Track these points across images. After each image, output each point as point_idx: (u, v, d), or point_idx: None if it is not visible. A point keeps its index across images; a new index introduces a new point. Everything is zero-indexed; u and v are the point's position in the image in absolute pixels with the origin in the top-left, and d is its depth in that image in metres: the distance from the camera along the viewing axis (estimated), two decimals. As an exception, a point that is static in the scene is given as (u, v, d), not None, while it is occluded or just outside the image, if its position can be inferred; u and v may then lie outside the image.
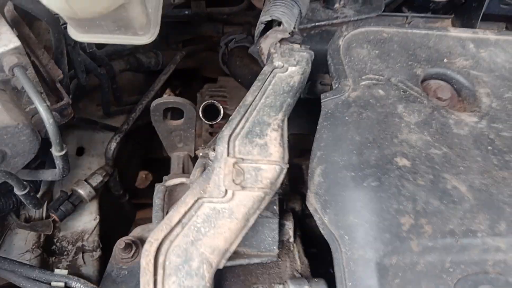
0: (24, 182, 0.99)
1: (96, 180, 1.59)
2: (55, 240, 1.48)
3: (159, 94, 2.11)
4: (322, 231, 0.82)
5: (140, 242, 1.38)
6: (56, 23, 1.07)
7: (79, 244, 1.50)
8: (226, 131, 0.83)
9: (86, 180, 1.56)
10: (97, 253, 1.50)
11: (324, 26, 1.37)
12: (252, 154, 0.82)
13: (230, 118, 0.85)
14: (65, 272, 1.26)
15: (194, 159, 1.69)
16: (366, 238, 0.74)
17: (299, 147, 1.31)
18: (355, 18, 1.38)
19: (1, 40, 0.94)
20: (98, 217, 1.54)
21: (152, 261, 0.71)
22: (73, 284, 1.23)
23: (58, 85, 1.17)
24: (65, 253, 1.46)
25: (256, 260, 0.85)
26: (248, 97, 0.87)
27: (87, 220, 1.56)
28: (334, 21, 1.36)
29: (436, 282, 0.72)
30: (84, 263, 1.45)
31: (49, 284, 1.20)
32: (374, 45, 1.01)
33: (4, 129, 0.92)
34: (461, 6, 1.54)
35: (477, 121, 0.90)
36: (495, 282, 0.74)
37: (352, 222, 0.76)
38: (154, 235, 0.73)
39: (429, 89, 0.98)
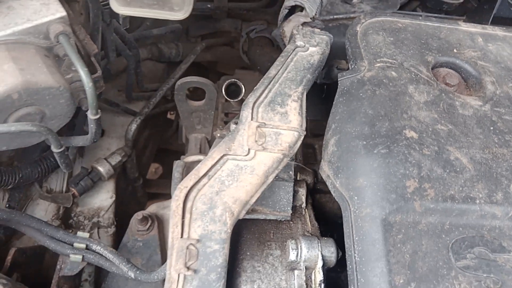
0: (61, 141, 1.08)
1: (115, 159, 1.67)
2: (72, 215, 1.55)
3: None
4: (333, 194, 0.90)
5: (155, 217, 1.46)
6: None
7: (95, 219, 1.57)
8: (251, 99, 0.91)
9: (105, 159, 1.64)
10: (112, 229, 1.57)
11: (342, 20, 1.46)
12: (273, 121, 0.90)
13: (255, 88, 0.94)
14: (86, 235, 1.33)
15: (210, 142, 1.77)
16: (374, 198, 0.82)
17: (313, 132, 1.40)
18: (371, 13, 1.46)
19: (49, 9, 1.03)
20: (114, 195, 1.62)
21: (181, 205, 0.80)
22: (94, 246, 1.29)
23: (93, 59, 1.26)
24: (81, 227, 1.54)
25: (271, 217, 0.93)
26: (272, 71, 0.96)
27: (103, 198, 1.63)
28: (352, 15, 1.45)
29: (435, 240, 0.80)
30: (99, 237, 1.52)
31: (72, 245, 1.27)
32: (389, 33, 1.09)
33: (47, 90, 1.01)
34: (472, 9, 1.62)
35: (482, 105, 0.98)
36: (490, 245, 0.81)
37: (362, 184, 0.84)
38: (183, 183, 0.81)
39: (439, 75, 1.05)
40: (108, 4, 1.30)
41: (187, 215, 0.80)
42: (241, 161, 0.85)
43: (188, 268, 0.77)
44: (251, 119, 0.89)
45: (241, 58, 2.13)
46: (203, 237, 0.80)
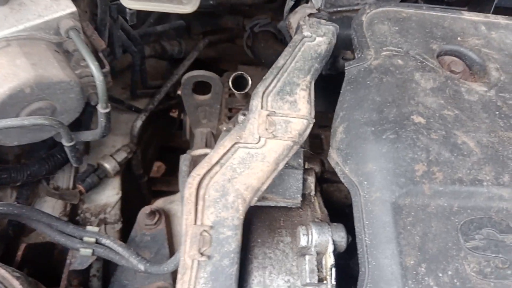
0: (72, 135, 1.10)
1: (121, 156, 1.68)
2: (79, 211, 1.57)
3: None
4: (342, 180, 0.91)
5: (162, 212, 1.47)
6: (105, -5, 1.19)
7: (102, 216, 1.59)
8: (260, 88, 0.93)
9: (111, 155, 1.65)
10: (118, 226, 1.59)
11: (346, 12, 1.47)
12: (283, 109, 0.92)
13: (264, 77, 0.95)
14: (96, 229, 1.34)
15: (216, 137, 1.79)
16: (383, 182, 0.83)
17: (319, 123, 1.41)
18: (374, 6, 1.47)
19: (59, 5, 1.05)
20: (120, 192, 1.64)
21: (194, 193, 0.81)
22: (103, 240, 1.30)
23: (101, 55, 1.28)
24: (88, 224, 1.55)
25: (282, 204, 0.95)
26: (280, 60, 0.97)
27: (110, 195, 1.65)
28: (355, 8, 1.46)
29: (444, 222, 0.81)
30: (106, 234, 1.54)
31: (81, 239, 1.28)
32: (394, 23, 1.10)
33: (58, 84, 1.02)
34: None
35: (487, 90, 0.99)
36: (498, 226, 0.83)
37: (371, 169, 0.86)
38: (196, 170, 0.83)
39: (444, 63, 1.07)
40: (115, 0, 1.32)
41: (200, 202, 0.81)
42: (252, 149, 0.87)
43: (202, 254, 0.79)
44: (261, 108, 0.90)
45: (243, 55, 2.14)
46: (216, 224, 0.81)
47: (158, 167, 3.25)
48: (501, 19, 1.19)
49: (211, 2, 2.11)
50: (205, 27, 2.31)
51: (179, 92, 2.23)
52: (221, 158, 0.85)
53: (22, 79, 0.96)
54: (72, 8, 1.05)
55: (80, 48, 1.02)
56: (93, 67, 1.00)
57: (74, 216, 1.55)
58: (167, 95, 1.96)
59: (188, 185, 0.82)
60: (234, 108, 1.81)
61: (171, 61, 2.18)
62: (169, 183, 2.78)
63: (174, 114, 2.73)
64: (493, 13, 1.52)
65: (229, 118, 1.81)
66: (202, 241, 0.79)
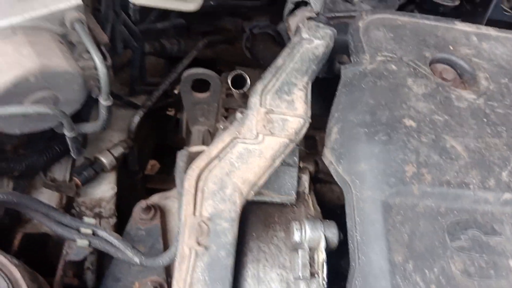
0: (74, 126, 1.12)
1: (118, 151, 1.69)
2: (74, 205, 1.57)
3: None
4: (336, 179, 0.95)
5: (158, 207, 1.49)
6: (108, -11, 1.21)
7: (97, 210, 1.59)
8: (259, 86, 0.96)
9: (108, 150, 1.66)
10: (113, 220, 1.59)
11: (343, 18, 1.51)
12: (280, 108, 0.95)
13: (262, 76, 0.99)
14: (93, 220, 1.35)
15: (213, 135, 1.81)
16: (374, 181, 0.87)
17: (313, 125, 1.45)
18: (371, 13, 1.52)
19: (65, -3, 1.07)
20: (116, 187, 1.64)
21: (194, 184, 0.84)
22: (100, 232, 1.31)
23: (103, 48, 1.30)
24: (83, 217, 1.57)
25: (277, 200, 0.98)
26: (279, 60, 1.01)
27: (105, 189, 1.65)
28: (352, 14, 1.50)
29: (431, 222, 0.85)
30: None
31: (78, 230, 1.29)
32: (389, 29, 1.14)
33: (63, 74, 1.04)
34: (467, 11, 1.69)
35: (476, 98, 1.04)
36: (482, 227, 0.87)
37: (363, 168, 0.89)
38: (195, 163, 0.86)
39: (435, 70, 1.11)
40: (119, -5, 1.34)
41: (199, 194, 0.84)
42: (250, 144, 0.90)
43: (199, 244, 0.82)
44: (260, 106, 0.94)
45: (241, 56, 2.17)
46: (214, 216, 0.84)
47: (152, 166, 3.25)
48: (492, 31, 1.24)
49: (211, 2, 2.14)
50: (204, 27, 2.34)
51: (176, 91, 2.26)
52: (220, 152, 0.89)
53: (27, 68, 0.98)
54: (78, 1, 1.07)
55: (84, 40, 1.04)
56: (97, 59, 1.03)
57: (69, 209, 1.55)
58: (165, 93, 1.98)
59: (188, 176, 0.84)
60: (231, 108, 1.84)
61: (169, 59, 2.21)
62: (163, 181, 2.79)
63: (171, 112, 2.75)
64: (485, 25, 1.58)
65: (226, 118, 1.84)
66: (200, 231, 0.82)
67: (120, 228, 1.53)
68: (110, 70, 1.30)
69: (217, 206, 0.85)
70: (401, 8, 1.70)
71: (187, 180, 0.84)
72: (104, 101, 1.10)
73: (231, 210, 0.85)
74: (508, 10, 1.65)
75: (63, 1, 1.04)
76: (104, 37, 1.29)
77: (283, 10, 1.47)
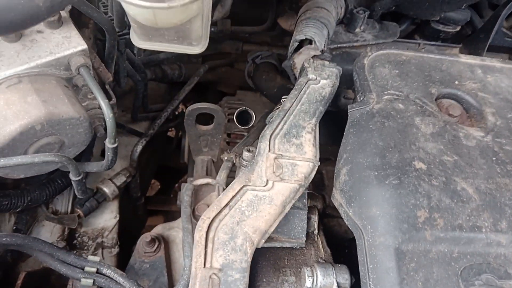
0: (79, 169, 1.11)
1: (120, 180, 1.69)
2: (76, 235, 1.57)
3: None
4: (346, 222, 0.94)
5: (162, 239, 1.48)
6: (114, 31, 1.21)
7: (99, 240, 1.58)
8: (267, 131, 0.96)
9: (110, 179, 1.66)
10: (116, 250, 1.59)
11: (345, 48, 1.52)
12: (289, 152, 0.95)
13: (271, 120, 0.98)
14: (97, 258, 1.35)
15: (216, 164, 1.81)
16: (387, 227, 0.86)
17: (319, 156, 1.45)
18: (373, 42, 1.53)
19: (70, 42, 1.07)
20: (118, 215, 1.64)
21: (204, 236, 0.83)
22: (105, 270, 1.30)
23: (107, 87, 1.30)
24: (86, 248, 1.55)
25: (287, 244, 0.97)
26: (287, 103, 1.00)
27: (107, 218, 1.65)
28: (355, 44, 1.51)
29: (445, 268, 0.84)
30: (103, 258, 1.54)
31: (82, 269, 1.28)
32: (394, 66, 1.15)
33: (68, 120, 1.04)
34: (468, 37, 1.70)
35: (484, 136, 1.03)
36: (496, 271, 0.86)
37: (375, 213, 0.89)
38: (206, 213, 0.85)
39: (442, 106, 1.11)
40: (124, 35, 1.34)
41: (209, 245, 0.83)
42: (260, 191, 0.89)
43: (211, 297, 0.81)
44: (269, 151, 0.93)
45: (241, 78, 2.18)
46: (225, 266, 0.83)
47: (152, 184, 3.25)
48: (496, 63, 1.24)
49: (212, 29, 2.15)
50: (205, 51, 2.34)
51: (176, 112, 2.27)
52: (230, 201, 0.88)
53: (33, 117, 0.97)
54: (83, 46, 1.07)
55: (90, 85, 1.04)
56: (104, 105, 1.02)
57: (71, 240, 1.55)
58: (166, 118, 1.98)
59: (198, 228, 0.84)
60: (233, 133, 1.84)
61: (170, 84, 2.22)
62: (164, 202, 2.79)
63: (171, 133, 2.75)
64: (487, 51, 1.59)
65: (228, 143, 1.84)
66: (211, 284, 0.81)
67: (122, 257, 1.52)
68: (114, 108, 1.30)
69: (228, 257, 0.84)
70: (403, 35, 1.71)
71: (198, 232, 0.83)
72: (110, 144, 1.09)
73: (242, 260, 0.84)
74: (510, 33, 1.66)
75: (68, 47, 1.04)
76: (109, 76, 1.29)
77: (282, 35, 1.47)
